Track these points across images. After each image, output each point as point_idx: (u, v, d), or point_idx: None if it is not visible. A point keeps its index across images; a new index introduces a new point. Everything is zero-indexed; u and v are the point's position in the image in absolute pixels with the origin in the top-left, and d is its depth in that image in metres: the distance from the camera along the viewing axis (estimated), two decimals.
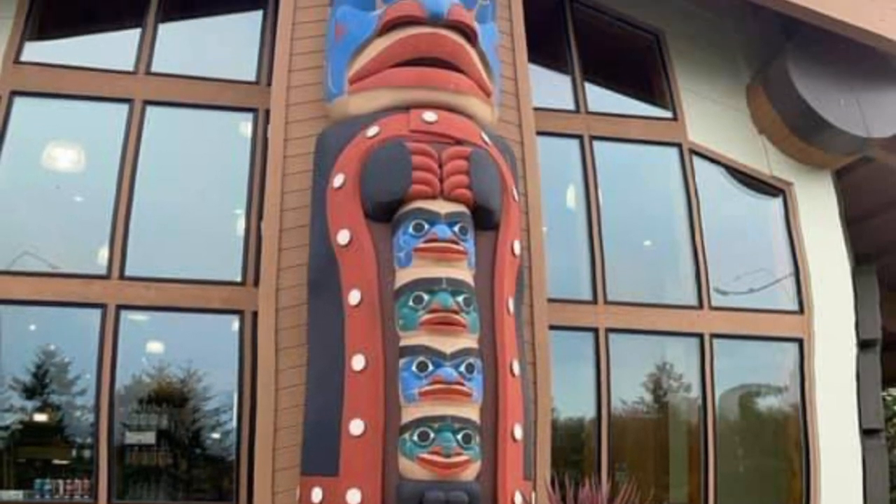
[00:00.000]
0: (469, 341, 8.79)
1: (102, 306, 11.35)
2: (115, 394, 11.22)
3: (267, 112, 11.50)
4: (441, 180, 9.19)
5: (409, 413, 8.57)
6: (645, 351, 13.58)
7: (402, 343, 8.72)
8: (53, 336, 11.82)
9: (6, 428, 11.42)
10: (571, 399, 12.92)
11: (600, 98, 14.39)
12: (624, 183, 14.16)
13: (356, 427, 8.61)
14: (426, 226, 8.99)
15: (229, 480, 11.41)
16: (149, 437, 11.59)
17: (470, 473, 8.62)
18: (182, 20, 13.40)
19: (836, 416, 13.48)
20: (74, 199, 12.54)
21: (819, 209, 14.55)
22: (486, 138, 9.79)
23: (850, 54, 14.05)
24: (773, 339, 13.81)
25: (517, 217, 9.89)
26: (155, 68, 12.68)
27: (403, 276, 8.87)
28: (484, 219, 9.38)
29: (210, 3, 13.75)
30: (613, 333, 13.01)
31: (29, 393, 11.54)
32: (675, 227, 14.08)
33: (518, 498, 8.92)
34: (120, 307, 11.41)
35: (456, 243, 8.99)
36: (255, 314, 10.76)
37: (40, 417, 11.67)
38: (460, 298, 8.76)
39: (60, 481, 11.10)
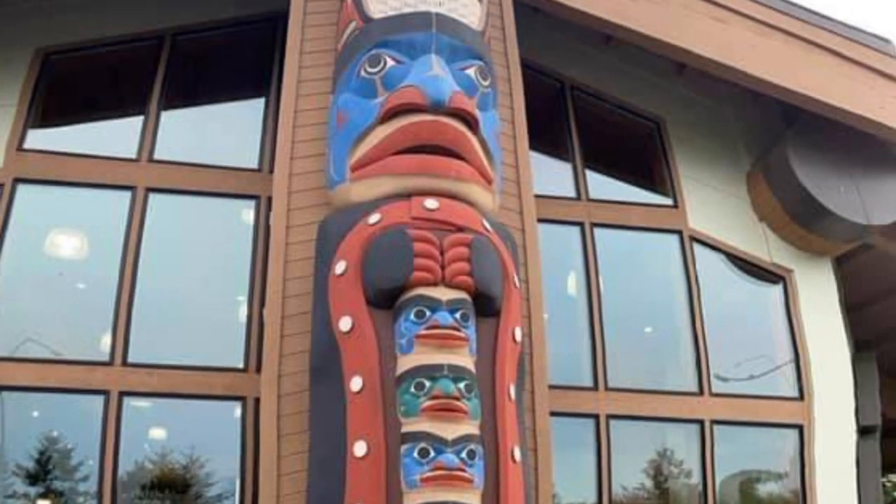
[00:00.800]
0: (470, 427, 8.74)
1: (105, 393, 11.34)
2: (118, 480, 11.18)
3: (269, 199, 11.57)
4: (442, 267, 9.17)
5: (411, 500, 8.48)
6: (646, 437, 13.54)
7: (404, 429, 8.66)
8: (56, 422, 11.77)
9: None
10: (572, 485, 12.84)
11: (601, 185, 14.48)
12: (625, 270, 14.20)
13: None
14: (428, 313, 8.97)
15: None
16: None
17: None
18: (184, 108, 13.56)
19: (836, 503, 13.40)
20: (77, 285, 12.57)
21: (819, 296, 14.59)
22: (488, 225, 9.81)
23: (851, 141, 14.17)
24: (773, 425, 13.79)
25: (518, 304, 9.87)
26: (157, 156, 12.79)
27: (405, 363, 8.84)
28: (485, 305, 9.36)
29: (212, 91, 13.92)
30: (614, 420, 12.98)
31: (32, 479, 11.47)
32: (676, 314, 14.10)
33: None
34: (123, 394, 11.40)
35: (457, 330, 8.96)
36: (257, 400, 10.73)
37: None
38: (462, 385, 8.73)
39: None
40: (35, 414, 11.90)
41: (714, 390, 13.52)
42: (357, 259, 9.30)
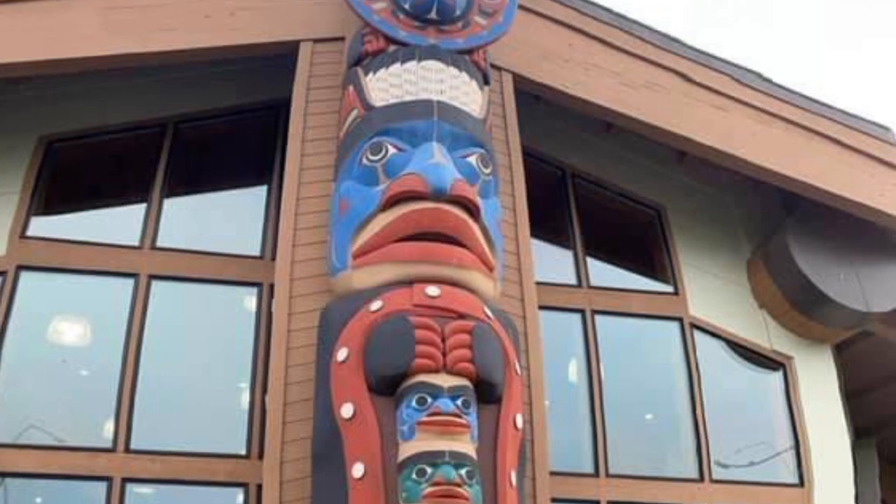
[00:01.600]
0: None
1: (108, 479, 11.28)
2: None
3: (271, 286, 11.57)
4: (444, 354, 9.17)
5: None
6: None
7: None
8: None
9: None
10: None
11: (602, 272, 14.51)
12: (626, 356, 14.19)
13: None
14: (429, 399, 8.96)
15: None
16: None
17: None
18: (187, 195, 13.64)
19: None
20: (80, 372, 12.54)
21: (819, 383, 14.57)
22: (489, 312, 9.83)
23: (850, 229, 14.25)
24: None
25: (519, 391, 9.86)
26: (160, 243, 12.83)
27: (407, 450, 8.80)
28: (486, 392, 9.35)
29: (215, 178, 14.00)
30: None
31: None
32: (677, 401, 14.07)
33: None
34: (125, 480, 11.33)
35: (459, 417, 8.94)
36: (259, 487, 10.62)
37: None
38: (463, 471, 8.69)
39: None
40: (38, 501, 11.79)
41: (714, 477, 13.44)
42: (359, 346, 9.31)
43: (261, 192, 13.46)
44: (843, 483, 13.95)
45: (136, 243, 12.76)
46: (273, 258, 11.78)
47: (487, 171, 10.59)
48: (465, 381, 9.18)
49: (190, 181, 13.71)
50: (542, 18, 13.88)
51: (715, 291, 14.83)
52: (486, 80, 11.75)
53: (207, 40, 12.74)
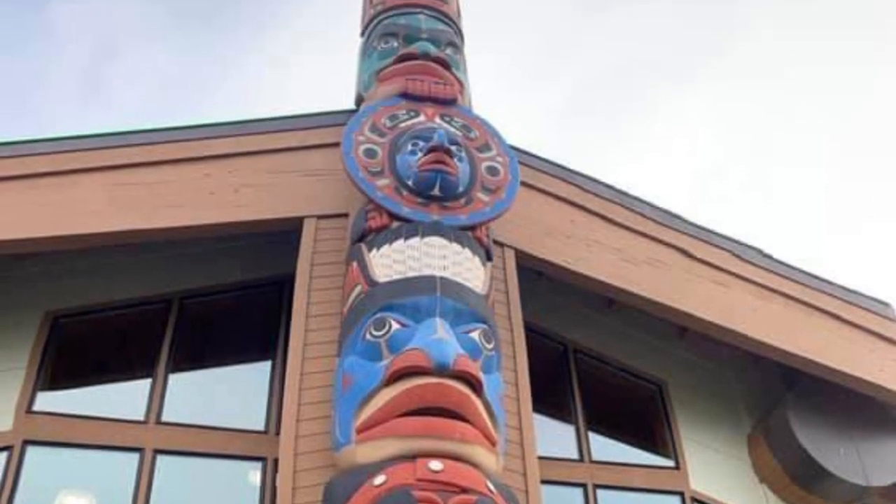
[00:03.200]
0: None
1: None
2: None
3: (275, 461, 11.55)
4: None
5: None
6: None
7: None
8: None
9: None
10: None
11: (604, 447, 14.50)
12: None
13: None
14: None
15: None
16: None
17: None
18: (192, 370, 13.70)
19: None
20: None
21: None
22: (492, 487, 9.79)
23: (850, 403, 14.29)
24: None
25: None
26: (165, 417, 12.84)
27: None
28: None
29: (219, 353, 14.08)
30: None
31: None
32: None
33: None
34: None
35: None
36: None
37: None
38: None
39: None
40: None
41: None
42: None
43: (265, 367, 13.52)
44: None
45: (142, 418, 12.78)
46: (277, 433, 11.76)
47: (490, 346, 10.66)
48: None
49: (195, 356, 13.79)
50: (544, 195, 14.14)
51: (716, 466, 14.80)
52: (488, 257, 11.89)
53: (212, 217, 12.96)
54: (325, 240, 12.70)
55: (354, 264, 11.43)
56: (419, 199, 11.85)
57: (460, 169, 12.09)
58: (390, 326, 10.37)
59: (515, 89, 43.07)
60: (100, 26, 47.42)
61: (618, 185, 15.04)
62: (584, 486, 13.95)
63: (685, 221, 14.93)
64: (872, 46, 45.44)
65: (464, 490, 9.50)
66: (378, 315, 10.51)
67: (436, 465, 9.62)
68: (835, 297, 14.87)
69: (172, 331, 13.75)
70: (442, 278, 10.80)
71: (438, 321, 10.33)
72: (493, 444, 10.24)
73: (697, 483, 14.48)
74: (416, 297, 10.58)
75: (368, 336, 10.44)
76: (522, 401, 11.93)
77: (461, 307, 10.62)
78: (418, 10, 15.23)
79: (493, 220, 12.25)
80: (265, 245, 13.69)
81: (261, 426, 12.96)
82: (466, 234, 11.63)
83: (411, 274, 10.91)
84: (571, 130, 46.89)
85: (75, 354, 13.55)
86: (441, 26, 15.08)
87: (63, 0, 47.13)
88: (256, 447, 12.72)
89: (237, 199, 13.10)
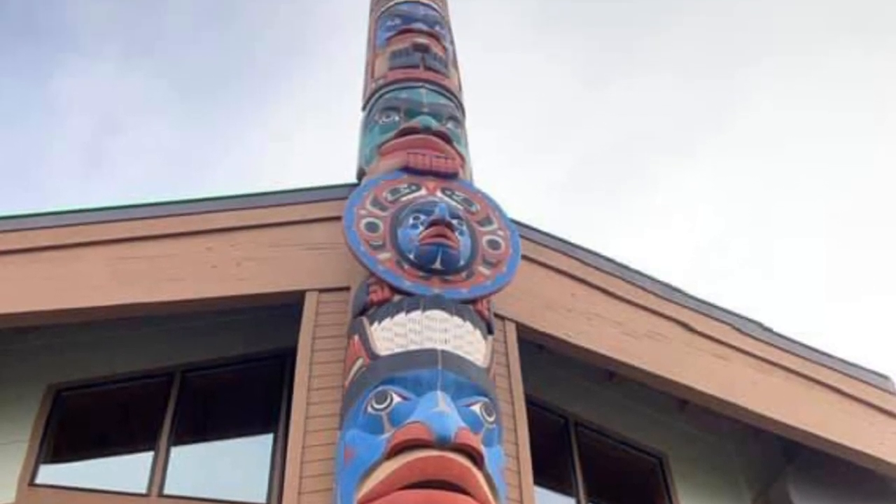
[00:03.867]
0: None
1: None
2: None
3: None
4: None
5: None
6: None
7: None
8: None
9: None
10: None
11: None
12: None
13: None
14: None
15: None
16: None
17: None
18: (194, 443, 13.69)
19: None
20: None
21: None
22: None
23: (850, 476, 14.27)
24: None
25: None
26: (168, 490, 12.82)
27: None
28: None
29: (221, 426, 14.09)
30: None
31: None
32: None
33: None
34: None
35: None
36: None
37: None
38: None
39: None
40: None
41: None
42: None
43: (267, 440, 13.52)
44: None
45: (144, 491, 12.76)
46: None
47: (491, 419, 10.68)
48: None
49: (197, 429, 13.81)
50: (545, 268, 14.23)
51: None
52: (489, 330, 11.92)
53: (215, 290, 13.02)
54: (327, 313, 12.75)
55: (356, 337, 11.47)
56: (421, 273, 11.91)
57: (461, 242, 12.17)
58: (392, 399, 10.39)
59: (516, 163, 43.25)
60: (102, 100, 47.66)
61: (618, 259, 15.14)
62: None
63: (685, 295, 15.01)
64: (872, 118, 45.69)
65: None
66: (379, 388, 10.53)
67: None
68: (835, 370, 14.91)
69: (175, 404, 13.77)
70: (443, 352, 10.83)
71: (440, 394, 10.35)
72: None
73: None
74: (418, 370, 10.61)
75: (370, 409, 10.45)
76: (523, 473, 11.92)
77: (462, 380, 10.64)
78: (420, 84, 15.39)
79: (495, 293, 12.30)
80: (267, 318, 13.75)
81: (263, 499, 12.93)
82: (468, 308, 11.68)
83: (413, 347, 10.94)
84: (572, 204, 47.09)
85: (78, 427, 13.57)
86: (442, 100, 15.22)
87: (66, 74, 47.26)
88: None
89: (239, 272, 13.18)
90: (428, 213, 12.24)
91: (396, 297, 11.67)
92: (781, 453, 15.17)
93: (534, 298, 13.74)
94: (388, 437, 10.12)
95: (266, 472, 13.17)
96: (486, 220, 13.04)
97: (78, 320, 12.84)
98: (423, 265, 11.94)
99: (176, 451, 13.26)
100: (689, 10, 47.52)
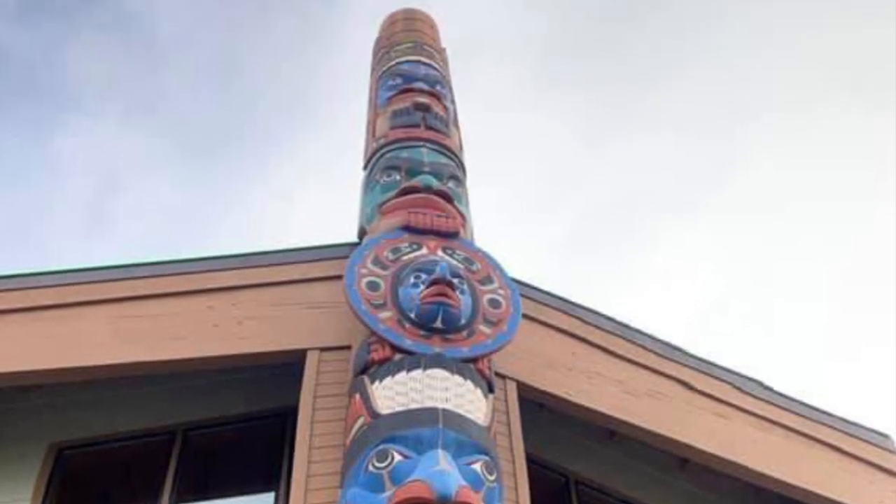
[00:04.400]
0: None
1: None
2: None
3: None
4: None
5: None
6: None
7: None
8: None
9: None
10: None
11: None
12: None
13: None
14: None
15: None
16: None
17: None
18: (196, 502, 13.68)
19: None
20: None
21: None
22: None
23: None
24: None
25: None
26: None
27: None
28: None
29: (223, 484, 14.11)
30: None
31: None
32: None
33: None
34: None
35: None
36: None
37: None
38: None
39: None
40: None
41: None
42: None
43: (268, 498, 13.52)
44: None
45: None
46: None
47: (492, 478, 10.68)
48: None
49: (199, 487, 13.81)
50: (545, 327, 14.27)
51: None
52: (490, 388, 11.93)
53: (216, 349, 13.06)
54: (328, 372, 12.78)
55: (357, 396, 11.49)
56: (421, 332, 11.94)
57: (462, 301, 12.21)
58: (393, 458, 10.40)
59: (517, 222, 43.33)
60: (104, 160, 47.85)
61: (619, 318, 15.18)
62: None
63: (686, 354, 15.05)
64: (872, 178, 45.84)
65: None
66: (380, 447, 10.54)
67: None
68: (835, 428, 14.93)
69: (176, 462, 13.78)
70: (444, 410, 10.85)
71: (441, 453, 10.36)
72: None
73: None
74: (419, 428, 10.62)
75: (371, 467, 10.46)
76: None
77: (463, 439, 10.66)
78: (420, 143, 15.48)
79: (495, 352, 12.31)
80: (268, 377, 13.77)
81: None
82: (468, 367, 11.70)
83: (414, 406, 10.95)
84: (573, 263, 47.16)
85: (80, 486, 13.58)
86: (443, 160, 15.29)
87: (67, 133, 47.51)
88: None
89: (241, 331, 13.23)
90: (429, 272, 12.29)
91: (397, 356, 11.69)
92: None
93: (534, 357, 13.78)
94: (390, 495, 10.13)
95: None
96: (487, 279, 13.09)
97: (80, 379, 12.88)
98: (425, 324, 11.97)
99: None
100: (689, 67, 47.79)
